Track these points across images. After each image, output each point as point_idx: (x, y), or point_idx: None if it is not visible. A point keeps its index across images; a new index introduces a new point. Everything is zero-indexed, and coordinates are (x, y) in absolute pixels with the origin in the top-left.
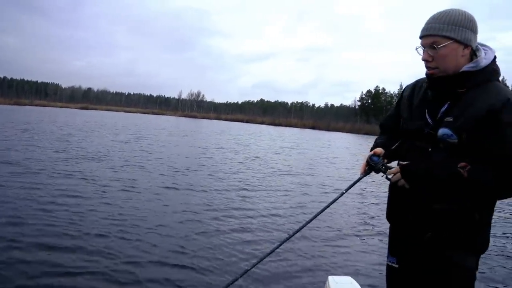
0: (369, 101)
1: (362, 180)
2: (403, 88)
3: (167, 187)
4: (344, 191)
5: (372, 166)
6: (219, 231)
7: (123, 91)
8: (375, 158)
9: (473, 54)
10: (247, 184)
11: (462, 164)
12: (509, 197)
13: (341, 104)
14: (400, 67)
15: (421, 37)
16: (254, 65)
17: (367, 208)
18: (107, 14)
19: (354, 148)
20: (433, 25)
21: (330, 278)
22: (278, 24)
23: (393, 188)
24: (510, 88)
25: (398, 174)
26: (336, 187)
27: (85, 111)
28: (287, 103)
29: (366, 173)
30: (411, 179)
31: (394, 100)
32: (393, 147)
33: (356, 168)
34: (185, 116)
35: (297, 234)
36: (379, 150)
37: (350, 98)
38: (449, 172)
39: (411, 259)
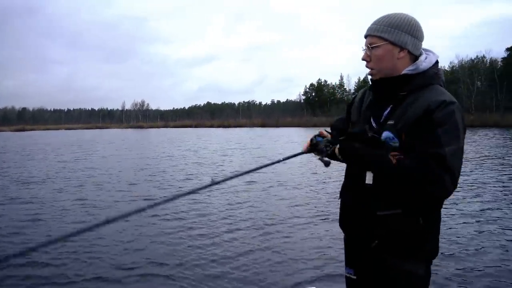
0: (313, 94)
1: (325, 184)
2: (356, 93)
3: (120, 201)
4: (282, 159)
5: (315, 144)
6: (173, 235)
7: (62, 108)
8: (319, 138)
9: (416, 59)
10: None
11: (394, 153)
12: (433, 190)
13: (287, 100)
14: (339, 59)
15: (364, 38)
16: (198, 68)
17: (328, 213)
18: (36, 28)
19: (302, 141)
20: (371, 26)
21: None
22: (217, 26)
23: (342, 195)
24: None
25: (336, 149)
26: (281, 180)
27: (21, 133)
28: (234, 104)
29: (308, 150)
30: (345, 154)
31: (336, 92)
32: (340, 138)
33: (302, 162)
34: (131, 127)
35: (258, 245)
36: (325, 132)
37: (295, 93)
38: (380, 155)
39: (366, 269)
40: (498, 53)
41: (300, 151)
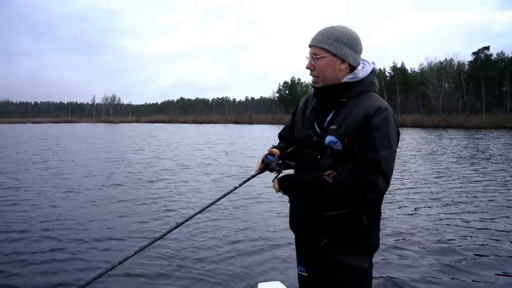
0: (287, 92)
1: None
2: (299, 102)
3: (97, 188)
4: (238, 186)
5: (267, 164)
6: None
7: (29, 101)
8: (270, 157)
9: (354, 68)
10: (166, 179)
11: (328, 171)
12: (368, 195)
13: (261, 97)
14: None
15: (309, 47)
16: (171, 64)
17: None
18: (6, 20)
19: (272, 138)
20: (316, 37)
21: (260, 285)
22: (191, 23)
23: (291, 198)
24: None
25: (276, 185)
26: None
27: None
28: (208, 100)
29: (261, 170)
30: (286, 189)
31: (309, 89)
32: (288, 151)
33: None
34: (102, 122)
35: (224, 241)
36: (274, 150)
37: (269, 90)
38: (317, 179)
39: (316, 266)
40: (465, 55)
41: (253, 173)
